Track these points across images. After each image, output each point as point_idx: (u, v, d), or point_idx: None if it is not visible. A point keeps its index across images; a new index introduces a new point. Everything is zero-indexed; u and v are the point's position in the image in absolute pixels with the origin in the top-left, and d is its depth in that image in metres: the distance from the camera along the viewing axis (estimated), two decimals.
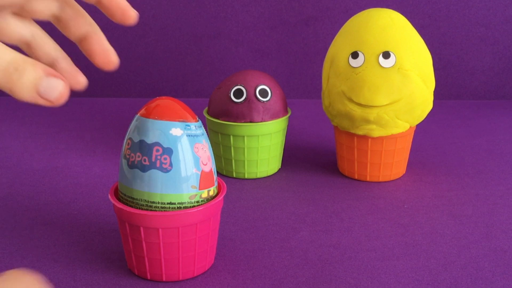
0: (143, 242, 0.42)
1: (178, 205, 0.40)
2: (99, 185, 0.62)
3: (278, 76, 1.01)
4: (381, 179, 0.64)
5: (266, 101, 0.62)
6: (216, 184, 0.43)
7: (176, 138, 0.39)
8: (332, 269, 0.46)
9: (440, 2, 0.97)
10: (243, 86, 0.62)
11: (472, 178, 0.65)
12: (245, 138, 0.62)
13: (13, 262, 0.47)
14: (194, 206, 0.41)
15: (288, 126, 0.81)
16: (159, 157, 0.39)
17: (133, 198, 0.41)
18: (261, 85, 0.63)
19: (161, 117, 0.40)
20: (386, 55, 0.58)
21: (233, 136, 0.62)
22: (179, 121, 0.40)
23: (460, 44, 0.98)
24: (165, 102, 0.41)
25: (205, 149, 0.41)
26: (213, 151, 0.63)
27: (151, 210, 0.40)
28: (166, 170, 0.39)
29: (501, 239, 0.51)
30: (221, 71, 1.00)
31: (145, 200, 0.40)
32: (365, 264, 0.47)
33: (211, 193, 0.42)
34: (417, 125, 0.85)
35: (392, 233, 0.52)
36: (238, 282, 0.44)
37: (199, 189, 0.41)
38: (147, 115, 0.40)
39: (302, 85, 1.01)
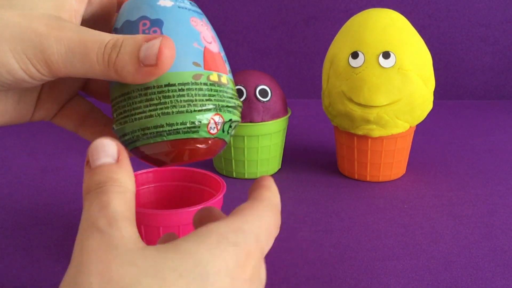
0: (144, 241, 0.42)
1: (180, 87, 0.30)
2: None
3: (278, 76, 1.01)
4: (381, 179, 0.64)
5: (266, 101, 0.62)
6: (229, 73, 0.33)
7: (166, 9, 0.32)
8: (332, 269, 0.46)
9: (440, 2, 0.97)
10: (243, 86, 0.62)
11: (472, 178, 0.65)
12: (245, 138, 0.62)
13: (13, 262, 0.47)
14: (197, 88, 0.30)
15: (288, 126, 0.82)
16: (147, 31, 0.31)
17: (123, 95, 0.30)
18: (261, 85, 0.63)
19: None
20: (386, 55, 0.58)
21: (233, 136, 0.62)
22: None
23: (460, 44, 0.98)
24: None
25: (206, 26, 0.33)
26: None
27: (146, 100, 0.30)
28: None
29: (501, 239, 0.51)
30: None
31: (137, 89, 0.30)
32: (365, 264, 0.47)
33: (224, 80, 0.32)
34: (417, 125, 0.85)
35: (392, 233, 0.52)
36: None
37: (204, 68, 0.31)
38: None
39: (302, 85, 1.01)
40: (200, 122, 0.29)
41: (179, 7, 0.32)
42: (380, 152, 0.62)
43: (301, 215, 0.56)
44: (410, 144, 0.65)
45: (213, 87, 0.31)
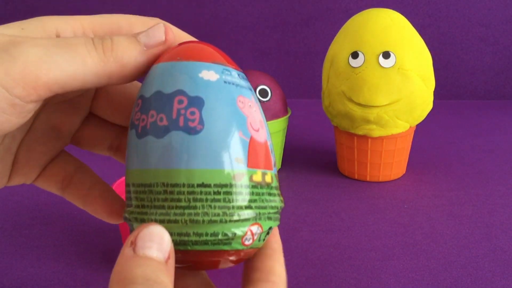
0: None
1: (216, 189, 0.24)
2: None
3: (278, 76, 1.01)
4: (381, 179, 0.64)
5: (266, 101, 0.62)
6: (274, 166, 0.27)
7: (209, 84, 0.25)
8: (332, 269, 0.46)
9: (440, 2, 0.97)
10: None
11: (472, 178, 0.65)
12: None
13: (13, 262, 0.47)
14: (237, 192, 0.24)
15: (288, 126, 0.82)
16: (182, 111, 0.24)
17: (145, 186, 0.24)
18: (261, 85, 0.63)
19: (187, 57, 0.25)
20: (386, 55, 0.58)
21: None
22: (214, 62, 0.26)
23: (460, 44, 0.98)
24: (195, 43, 0.27)
25: (255, 108, 0.26)
26: None
27: (172, 200, 0.24)
28: (194, 131, 0.24)
29: (501, 239, 0.51)
30: None
31: (163, 184, 0.24)
32: (365, 264, 0.47)
33: (268, 179, 0.26)
34: (417, 125, 0.85)
35: (392, 233, 0.52)
36: (238, 282, 0.44)
37: (248, 166, 0.25)
38: (165, 59, 0.26)
39: (302, 85, 1.01)
40: (234, 234, 0.24)
41: (225, 82, 0.25)
42: (380, 152, 0.62)
43: (301, 215, 0.56)
44: (410, 144, 0.65)
45: (255, 190, 0.25)
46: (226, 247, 0.24)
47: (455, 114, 0.91)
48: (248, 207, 0.24)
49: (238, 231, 0.24)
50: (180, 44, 0.26)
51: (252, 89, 0.27)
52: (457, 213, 0.56)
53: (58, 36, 0.24)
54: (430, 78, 0.61)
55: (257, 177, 0.25)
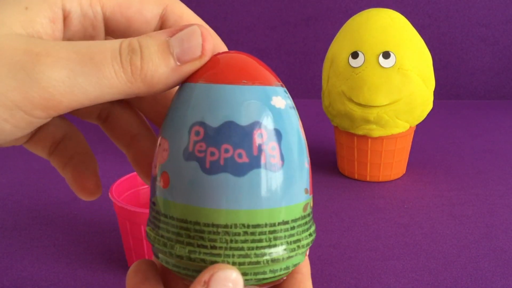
0: (144, 241, 0.42)
1: (292, 225, 0.23)
2: None
3: (278, 76, 1.01)
4: (381, 179, 0.64)
5: None
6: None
7: (281, 113, 0.23)
8: (332, 269, 0.46)
9: (440, 2, 0.97)
10: None
11: (472, 178, 0.65)
12: None
13: (13, 262, 0.47)
14: (303, 223, 0.24)
15: None
16: (263, 146, 0.22)
17: (217, 226, 0.22)
18: None
19: (252, 79, 0.23)
20: (386, 55, 0.58)
21: None
22: (276, 85, 0.24)
23: (460, 44, 0.98)
24: (240, 57, 0.24)
25: (302, 127, 0.25)
26: None
27: (253, 241, 0.22)
28: (276, 168, 0.23)
29: (501, 239, 0.51)
30: None
31: (243, 225, 0.22)
32: (365, 264, 0.47)
33: (312, 203, 0.26)
34: (417, 125, 0.85)
35: (392, 233, 0.52)
36: None
37: (310, 193, 0.25)
38: (223, 80, 0.23)
39: (302, 85, 1.01)
40: (296, 264, 0.24)
41: (290, 107, 0.24)
42: (380, 152, 0.62)
43: None
44: (410, 144, 0.65)
45: (311, 215, 0.25)
46: (281, 277, 0.24)
47: (455, 114, 0.91)
48: (310, 235, 0.24)
49: (302, 258, 0.24)
50: (219, 56, 0.24)
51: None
52: (457, 213, 0.56)
53: (65, 13, 0.22)
54: (430, 78, 0.61)
55: (311, 202, 0.25)
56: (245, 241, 0.22)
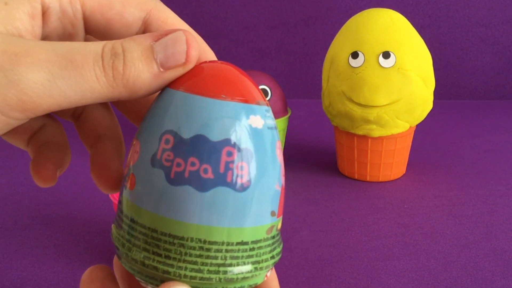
0: None
1: (252, 246, 0.23)
2: None
3: (278, 76, 1.01)
4: (381, 179, 0.64)
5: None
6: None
7: (257, 133, 0.23)
8: (332, 269, 0.46)
9: (440, 2, 0.97)
10: None
11: (472, 178, 0.65)
12: None
13: (13, 262, 0.47)
14: (266, 245, 0.24)
15: (288, 126, 0.82)
16: (231, 165, 0.22)
17: (174, 237, 0.22)
18: (261, 85, 0.63)
19: (232, 95, 0.23)
20: (386, 55, 0.58)
21: None
22: (257, 103, 0.23)
23: (460, 44, 0.98)
24: (225, 68, 0.23)
25: (280, 149, 0.25)
26: None
27: (208, 257, 0.22)
28: (241, 188, 0.22)
29: (501, 239, 0.51)
30: None
31: (199, 240, 0.22)
32: (365, 264, 0.47)
33: (280, 225, 0.25)
34: (417, 125, 0.85)
35: (392, 233, 0.52)
36: None
37: (278, 216, 0.24)
38: (202, 91, 0.22)
39: (302, 85, 1.01)
40: (252, 285, 0.24)
41: (268, 127, 0.23)
42: (380, 152, 0.62)
43: (301, 215, 0.56)
44: (410, 144, 0.65)
45: (277, 237, 0.24)
46: None
47: (455, 114, 0.91)
48: (272, 258, 0.24)
49: (261, 280, 0.24)
50: (204, 65, 0.23)
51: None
52: (457, 213, 0.56)
53: (44, 8, 0.22)
54: (430, 78, 0.61)
55: (279, 224, 0.24)
56: (199, 256, 0.22)
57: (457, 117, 0.89)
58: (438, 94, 0.99)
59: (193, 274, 0.22)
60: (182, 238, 0.22)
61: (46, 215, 0.55)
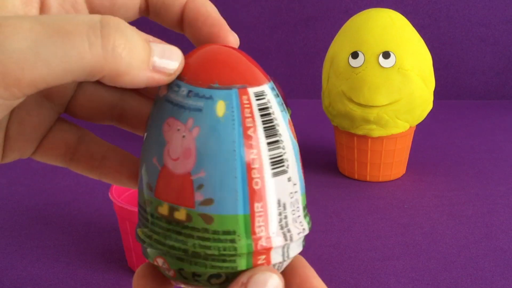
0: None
1: (139, 208, 0.24)
2: (99, 185, 0.62)
3: (278, 76, 1.01)
4: (381, 179, 0.64)
5: None
6: (201, 212, 0.25)
7: (156, 101, 0.24)
8: (332, 269, 0.46)
9: (440, 2, 0.97)
10: None
11: (472, 178, 0.65)
12: None
13: (13, 262, 0.47)
14: (145, 218, 0.24)
15: None
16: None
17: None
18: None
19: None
20: (386, 55, 0.58)
21: None
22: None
23: (460, 44, 0.98)
24: (233, 53, 0.22)
25: (188, 134, 0.24)
26: None
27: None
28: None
29: (501, 239, 0.51)
30: None
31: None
32: (365, 264, 0.47)
33: (179, 216, 0.25)
34: (417, 125, 0.85)
35: (392, 233, 0.52)
36: None
37: (155, 195, 0.25)
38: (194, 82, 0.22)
39: (302, 85, 1.01)
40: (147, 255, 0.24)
41: (166, 100, 0.22)
42: (380, 152, 0.62)
43: None
44: (410, 144, 0.65)
45: (158, 222, 0.23)
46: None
47: (455, 114, 0.91)
48: (148, 237, 0.22)
49: (152, 255, 0.23)
50: (206, 48, 0.22)
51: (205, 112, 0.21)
52: (457, 213, 0.56)
53: None
54: (430, 78, 0.61)
55: (163, 210, 0.22)
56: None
57: (457, 117, 0.89)
58: (438, 94, 0.99)
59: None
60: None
61: (46, 215, 0.55)
